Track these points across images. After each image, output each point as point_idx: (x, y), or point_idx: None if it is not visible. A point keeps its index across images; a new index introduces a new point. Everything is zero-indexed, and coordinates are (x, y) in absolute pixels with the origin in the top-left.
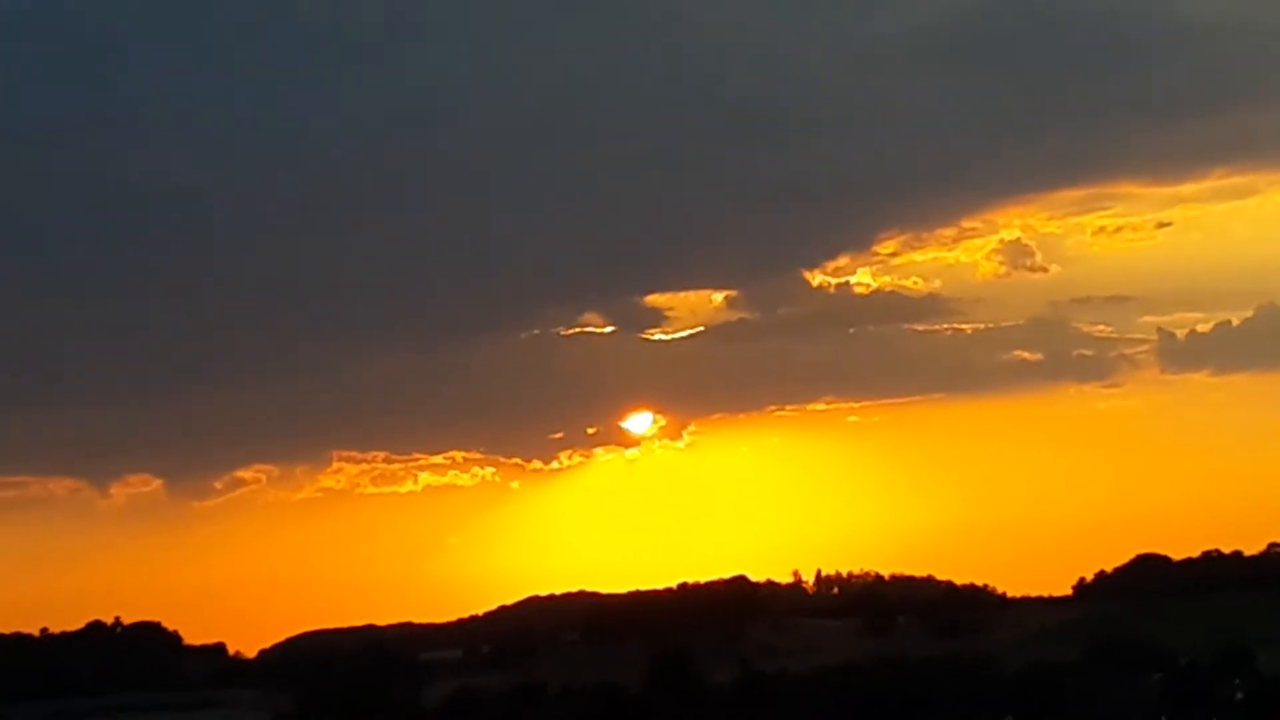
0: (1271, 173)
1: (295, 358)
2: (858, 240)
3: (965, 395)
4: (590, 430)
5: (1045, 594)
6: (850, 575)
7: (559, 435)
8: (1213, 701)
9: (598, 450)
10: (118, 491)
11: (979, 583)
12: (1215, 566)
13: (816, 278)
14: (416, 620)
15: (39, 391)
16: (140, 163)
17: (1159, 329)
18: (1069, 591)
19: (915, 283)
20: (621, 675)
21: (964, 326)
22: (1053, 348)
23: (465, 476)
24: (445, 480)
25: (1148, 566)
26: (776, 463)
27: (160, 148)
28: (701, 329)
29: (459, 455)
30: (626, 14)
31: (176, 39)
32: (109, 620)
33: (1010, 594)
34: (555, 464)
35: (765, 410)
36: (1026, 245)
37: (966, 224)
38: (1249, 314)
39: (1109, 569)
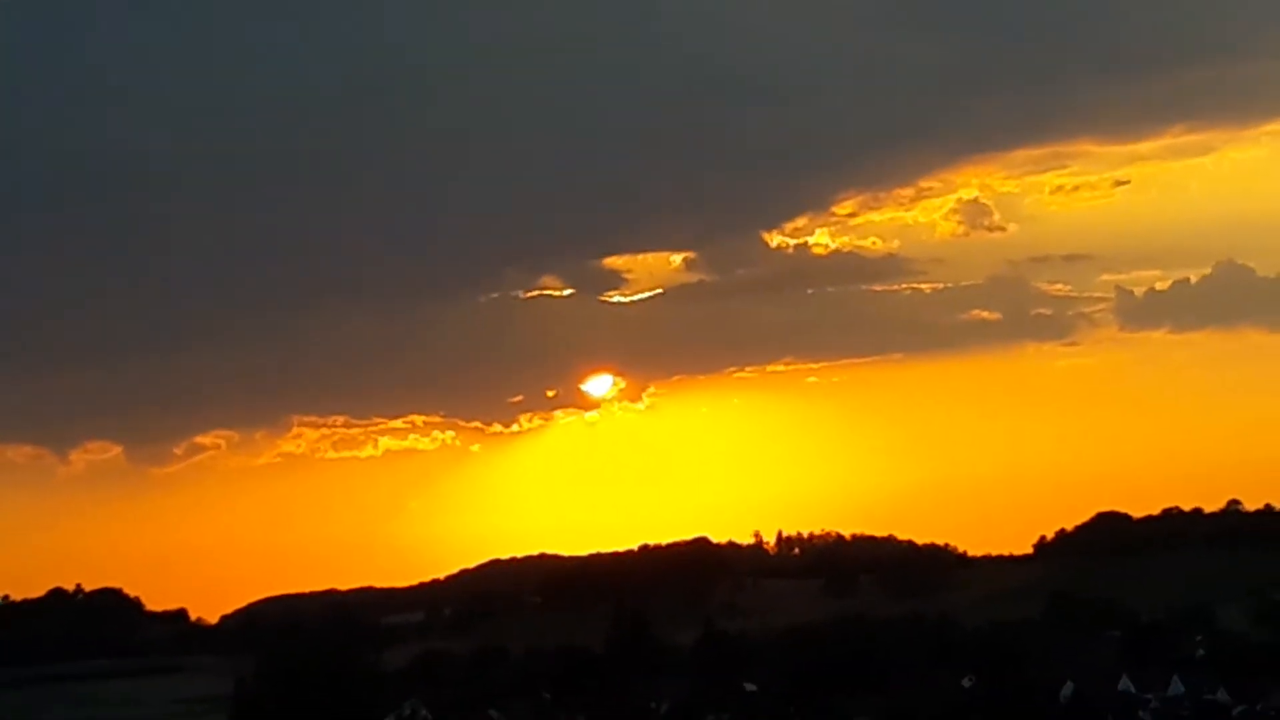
0: (1228, 130)
1: (254, 323)
2: (816, 201)
3: (924, 355)
4: (550, 393)
5: (1006, 553)
6: (811, 536)
7: (519, 398)
8: (1174, 658)
9: (558, 413)
10: (77, 458)
11: (940, 542)
12: (1176, 524)
13: (775, 239)
14: (378, 584)
15: None
16: (100, 130)
17: (1117, 287)
18: (1029, 550)
19: (874, 243)
20: (583, 637)
21: (922, 286)
22: (1011, 307)
23: (425, 440)
24: (405, 444)
25: (1108, 524)
26: (736, 424)
27: (120, 115)
28: (660, 291)
29: (419, 419)
30: None
31: (138, 7)
32: (70, 587)
33: (971, 553)
34: (515, 427)
35: (725, 372)
36: (984, 204)
37: (924, 184)
38: (1207, 271)
39: (1069, 527)
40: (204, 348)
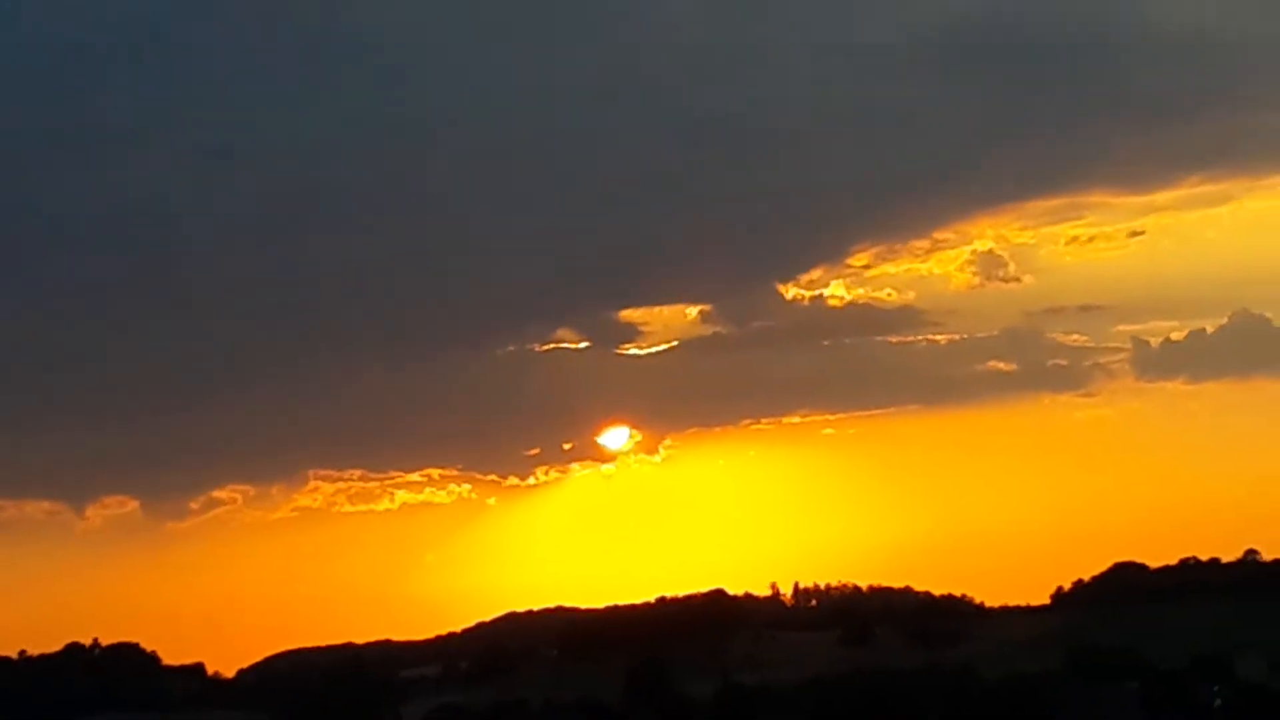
0: (1244, 180)
1: (270, 377)
2: (831, 253)
3: (940, 406)
4: (566, 446)
5: (1023, 603)
6: (828, 587)
7: (535, 451)
8: (1191, 709)
9: (574, 466)
10: (94, 513)
11: (957, 593)
12: (1193, 574)
13: (790, 291)
14: (395, 638)
15: (14, 414)
16: (116, 182)
17: (1133, 338)
18: (1047, 601)
19: (889, 294)
20: (601, 691)
21: (938, 338)
22: (1027, 358)
23: (442, 494)
24: (422, 498)
25: (1125, 575)
26: (753, 476)
27: (136, 166)
28: (676, 343)
29: (435, 473)
30: (597, 29)
31: (149, 54)
32: (87, 641)
33: (988, 604)
34: (532, 480)
35: (741, 424)
36: (999, 256)
37: (939, 235)
38: (1223, 321)
39: (1087, 578)
40: (220, 402)
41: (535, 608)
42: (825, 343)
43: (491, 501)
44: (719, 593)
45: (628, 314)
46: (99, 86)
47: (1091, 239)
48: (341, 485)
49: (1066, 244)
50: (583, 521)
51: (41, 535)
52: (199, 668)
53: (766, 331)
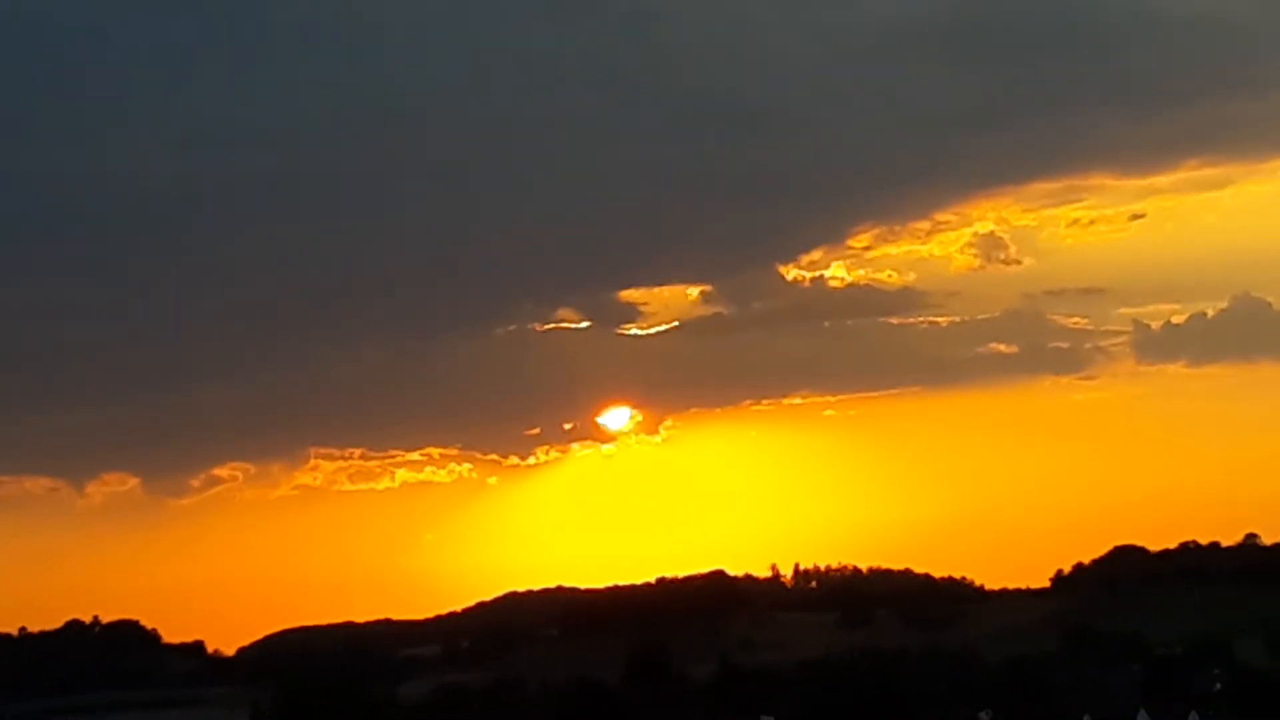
0: (1244, 164)
1: (271, 356)
2: (831, 234)
3: (941, 388)
4: (567, 426)
5: (1023, 586)
6: (828, 569)
7: (536, 431)
8: (1191, 692)
9: (574, 446)
10: (95, 490)
11: (957, 575)
12: (1193, 558)
13: (791, 272)
14: (395, 617)
15: (15, 392)
16: (118, 163)
17: (1134, 321)
18: (1047, 583)
19: (889, 276)
20: (600, 670)
21: (939, 319)
22: (1028, 340)
23: (442, 473)
24: (422, 477)
25: (1125, 558)
26: (753, 457)
27: (138, 147)
28: (677, 324)
29: (436, 452)
30: (600, 9)
31: (152, 37)
32: (88, 619)
33: (988, 586)
34: (532, 460)
35: (741, 405)
36: (1000, 238)
37: (940, 217)
38: (1224, 305)
39: (1087, 561)
40: (221, 380)
41: (535, 588)
42: (826, 324)
43: (492, 481)
44: (719, 574)
45: (628, 294)
46: (98, 66)
47: (1092, 222)
48: (342, 464)
49: (1067, 226)
50: (583, 502)
51: (42, 512)
52: (199, 645)
53: (767, 312)
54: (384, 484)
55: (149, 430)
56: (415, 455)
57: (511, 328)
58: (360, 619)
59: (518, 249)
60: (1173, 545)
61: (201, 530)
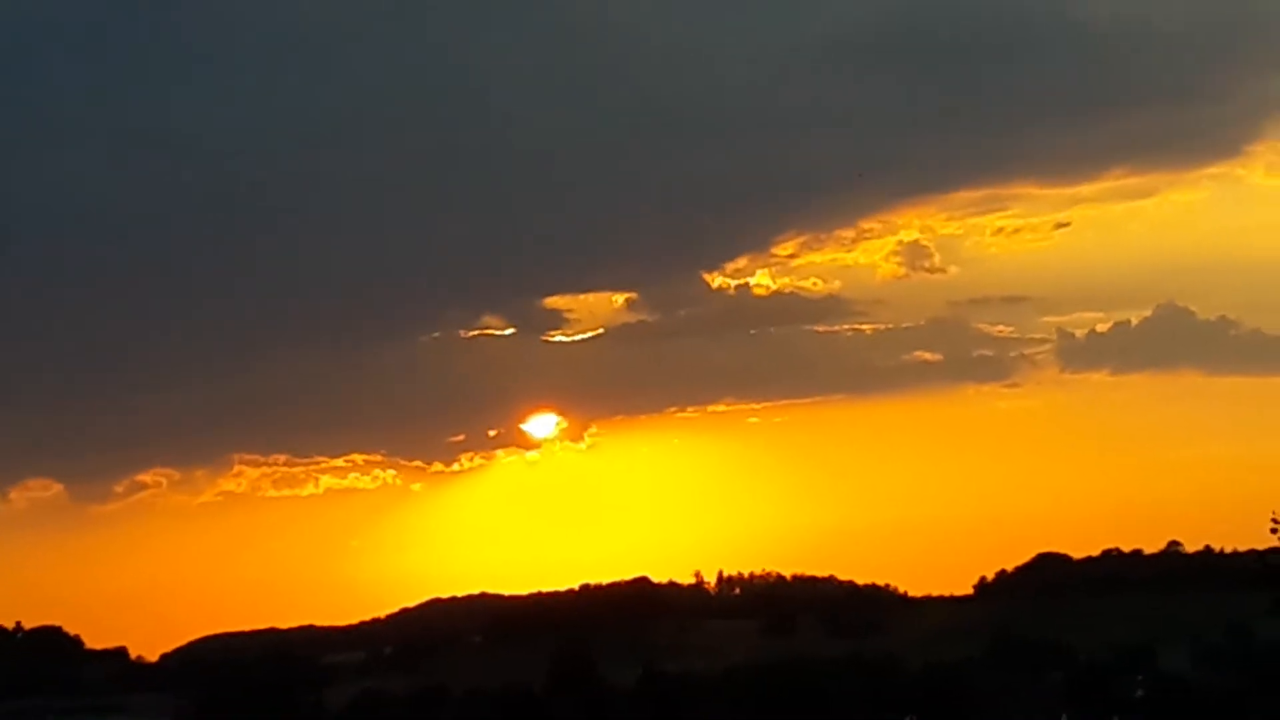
0: (1169, 173)
1: (195, 361)
2: (756, 242)
3: (866, 396)
4: (491, 433)
5: (947, 593)
6: (752, 576)
7: (460, 438)
8: (1114, 700)
9: (499, 452)
10: (17, 496)
11: (880, 582)
12: (1116, 565)
13: (716, 279)
14: (319, 623)
15: None
16: (40, 169)
17: (1058, 329)
18: (970, 590)
19: (814, 284)
20: (524, 677)
21: (864, 327)
22: (952, 348)
23: (366, 479)
24: (346, 483)
25: (1048, 565)
26: (678, 464)
27: (64, 153)
28: (602, 331)
29: (360, 458)
30: (525, 15)
31: (90, 44)
32: (10, 625)
33: (912, 593)
34: (456, 466)
35: (666, 412)
36: (925, 246)
37: (865, 225)
38: (1147, 314)
39: (1010, 568)
40: (145, 387)
41: (459, 594)
42: (751, 331)
43: (416, 487)
44: (643, 580)
45: (553, 301)
46: (38, 75)
47: (1017, 230)
48: (266, 470)
49: (992, 235)
50: (507, 508)
51: None
52: (122, 651)
53: (693, 320)
54: (308, 490)
55: (72, 436)
56: (339, 462)
57: (436, 334)
58: (284, 625)
59: (442, 256)
60: (1096, 553)
61: (125, 536)
